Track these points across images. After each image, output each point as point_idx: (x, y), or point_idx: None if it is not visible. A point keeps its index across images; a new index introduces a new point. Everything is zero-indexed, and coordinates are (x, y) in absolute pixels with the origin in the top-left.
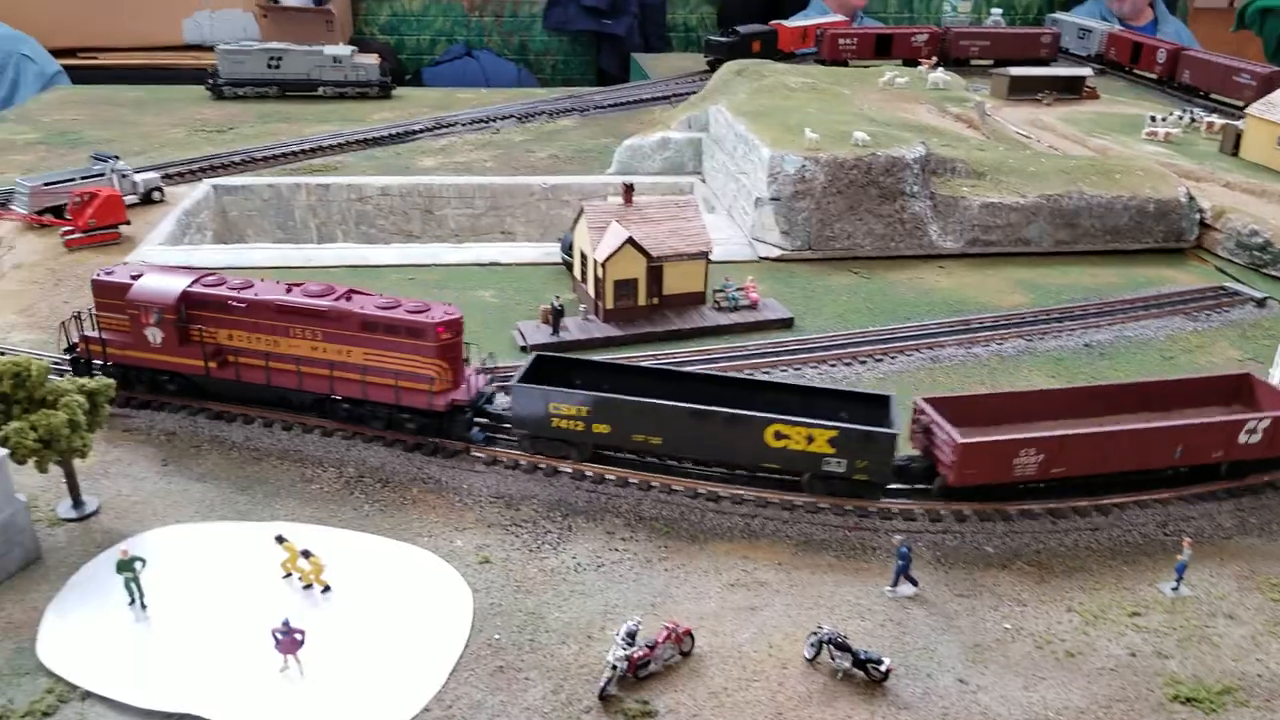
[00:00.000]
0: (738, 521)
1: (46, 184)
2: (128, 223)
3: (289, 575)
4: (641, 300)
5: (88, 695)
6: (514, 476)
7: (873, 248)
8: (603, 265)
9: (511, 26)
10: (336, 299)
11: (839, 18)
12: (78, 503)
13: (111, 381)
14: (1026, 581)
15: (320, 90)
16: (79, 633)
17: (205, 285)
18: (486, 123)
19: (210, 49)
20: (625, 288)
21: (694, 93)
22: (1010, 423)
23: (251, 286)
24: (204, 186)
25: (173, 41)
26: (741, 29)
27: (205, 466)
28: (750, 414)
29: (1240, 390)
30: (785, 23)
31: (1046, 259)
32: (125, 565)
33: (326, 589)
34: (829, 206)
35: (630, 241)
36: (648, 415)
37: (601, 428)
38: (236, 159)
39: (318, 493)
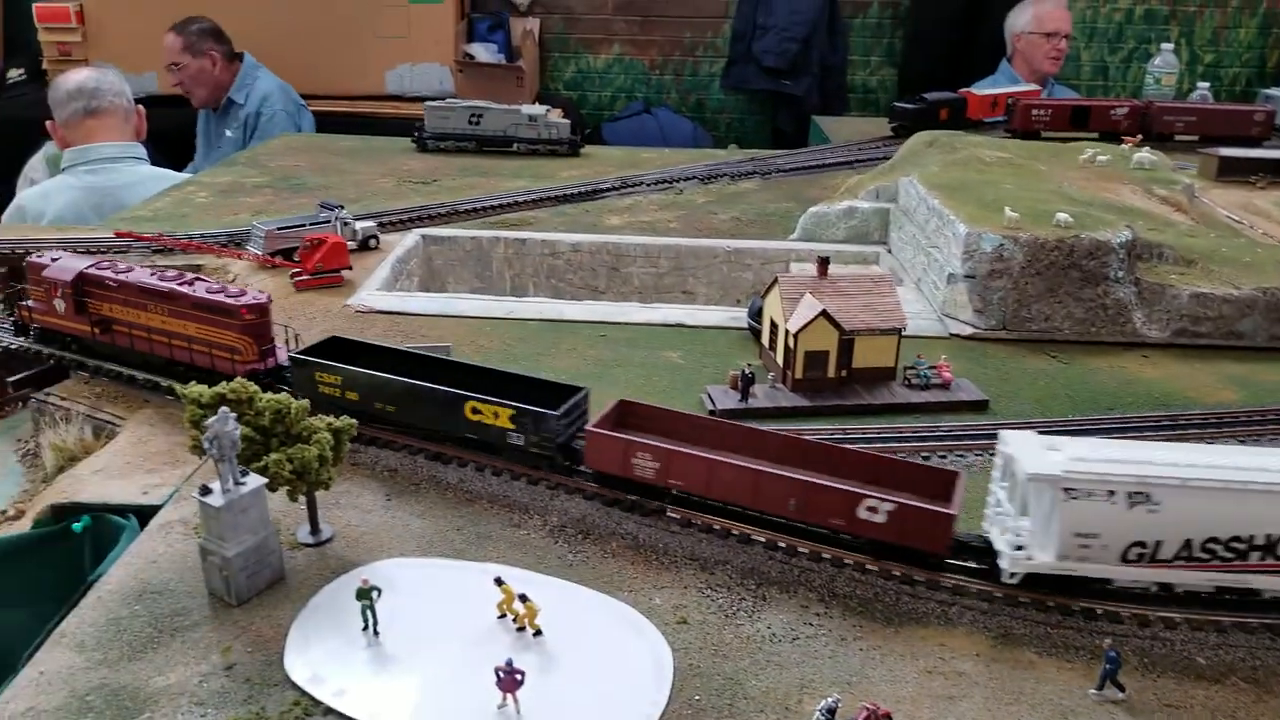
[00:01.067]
0: (934, 607)
1: (279, 228)
2: (350, 268)
3: (503, 616)
4: (831, 372)
5: (329, 711)
6: (708, 540)
7: (1071, 331)
8: (795, 336)
9: (690, 85)
10: (179, 284)
11: (1029, 86)
12: (315, 529)
13: (354, 422)
14: (1242, 699)
15: (515, 146)
16: (320, 652)
17: (96, 269)
18: (670, 183)
19: (408, 99)
20: (815, 359)
21: (877, 159)
22: (691, 442)
23: (129, 271)
24: (414, 236)
25: (376, 91)
26: (929, 96)
27: (424, 504)
28: (454, 391)
29: (949, 485)
30: (975, 91)
31: (1261, 354)
32: (364, 593)
33: (538, 633)
34: (1026, 287)
35: (824, 314)
36: (381, 388)
37: (352, 395)
38: (442, 211)
39: (525, 539)
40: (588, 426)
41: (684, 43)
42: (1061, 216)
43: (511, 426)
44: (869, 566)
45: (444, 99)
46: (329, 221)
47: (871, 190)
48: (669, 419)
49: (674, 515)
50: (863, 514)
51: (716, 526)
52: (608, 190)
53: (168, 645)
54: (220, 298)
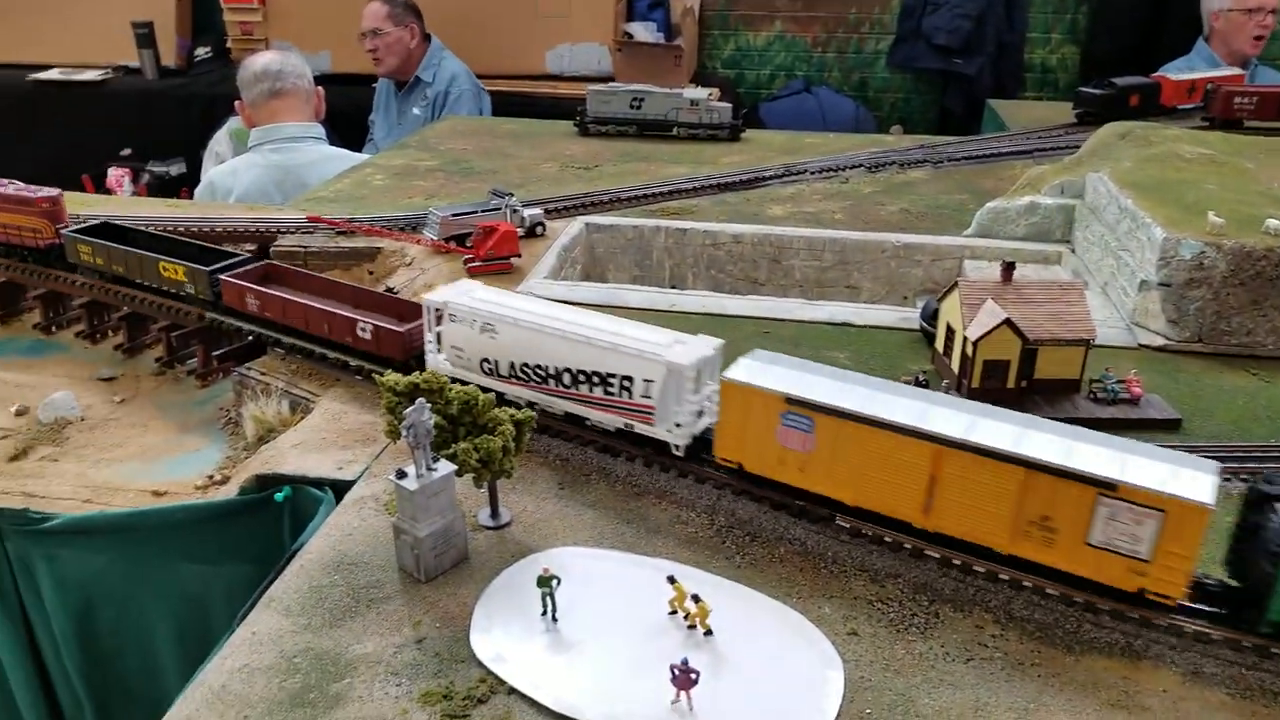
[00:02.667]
0: (1118, 638)
1: (454, 215)
2: (519, 255)
3: (674, 613)
4: (1010, 383)
5: (513, 691)
6: (879, 552)
7: (1276, 347)
8: (974, 344)
9: (854, 63)
10: None
11: (1229, 70)
12: (495, 514)
13: (533, 414)
14: None
15: (675, 131)
16: (501, 633)
17: None
18: (835, 171)
19: (566, 79)
20: (994, 368)
21: (1061, 150)
22: (300, 291)
23: None
24: (578, 223)
25: (535, 71)
26: (1118, 81)
27: (594, 495)
28: (150, 254)
29: (414, 311)
30: (1170, 75)
31: None
32: (544, 581)
33: (709, 633)
34: (1228, 298)
35: (1007, 323)
36: (113, 253)
37: (100, 260)
38: (605, 198)
39: (692, 536)
40: (223, 276)
41: (849, 19)
42: (1272, 223)
43: (185, 279)
44: (1049, 591)
45: (605, 81)
46: (499, 209)
47: (1055, 185)
48: (297, 277)
49: (844, 524)
50: (359, 333)
51: (888, 538)
52: (770, 178)
53: (364, 615)
54: (24, 193)
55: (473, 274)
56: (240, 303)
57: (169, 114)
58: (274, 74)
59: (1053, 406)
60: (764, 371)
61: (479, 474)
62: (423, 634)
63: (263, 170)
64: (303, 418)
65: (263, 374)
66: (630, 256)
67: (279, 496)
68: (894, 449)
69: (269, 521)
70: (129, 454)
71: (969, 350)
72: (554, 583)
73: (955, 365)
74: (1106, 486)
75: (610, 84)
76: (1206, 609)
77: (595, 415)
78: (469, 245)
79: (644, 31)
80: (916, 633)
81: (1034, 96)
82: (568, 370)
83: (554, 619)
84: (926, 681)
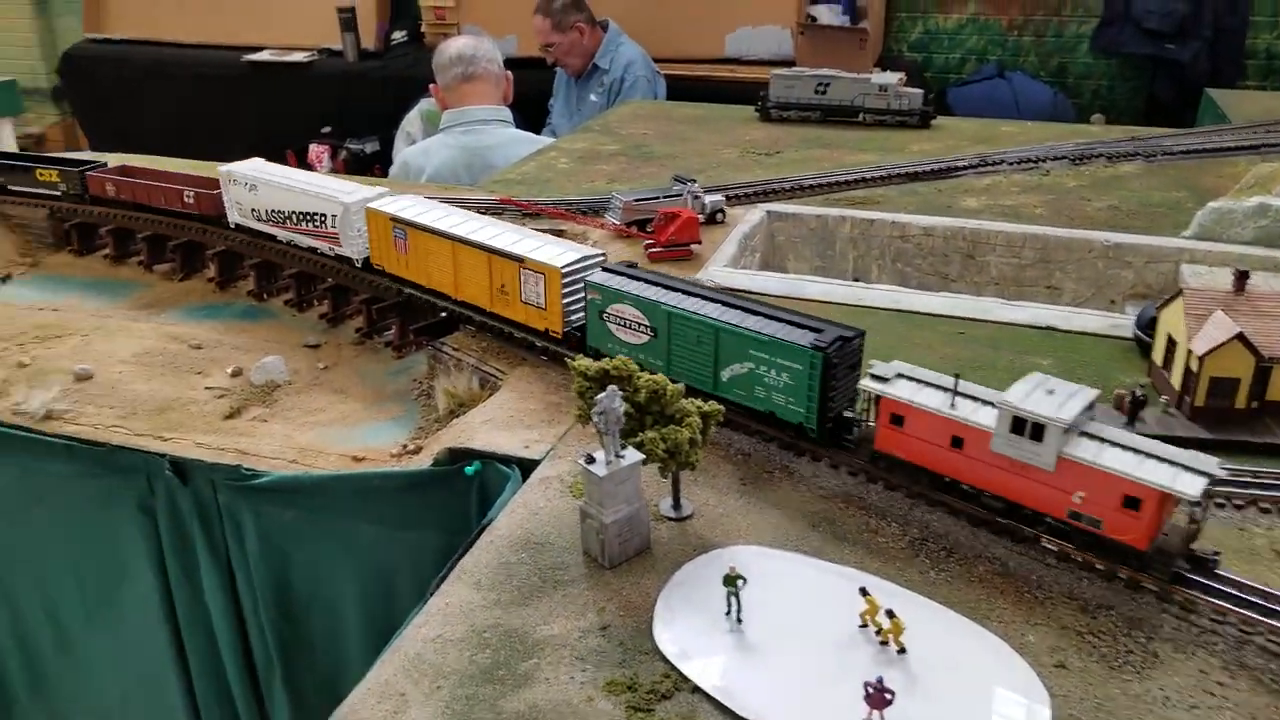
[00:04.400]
0: None
1: (637, 200)
2: (699, 242)
3: (865, 626)
4: (1240, 403)
5: (696, 689)
6: (1090, 580)
7: None
8: (1200, 359)
9: (1053, 47)
10: None
11: None
12: (677, 505)
13: (721, 408)
14: None
15: (860, 117)
16: (684, 628)
17: None
18: (1035, 163)
19: (745, 63)
20: (1222, 386)
21: None
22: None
23: None
24: (759, 211)
25: (714, 55)
26: None
27: (778, 494)
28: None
29: None
30: None
31: None
32: (730, 580)
33: (902, 650)
34: None
35: (1240, 337)
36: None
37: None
38: (786, 186)
39: (883, 546)
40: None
41: (1050, 0)
42: None
43: (59, 180)
44: None
45: (785, 65)
46: (680, 195)
47: None
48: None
49: (1049, 546)
50: (185, 199)
51: (1099, 565)
52: (964, 168)
53: (550, 596)
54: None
55: (653, 259)
56: (102, 190)
57: (366, 94)
58: (467, 59)
59: None
60: (390, 200)
61: (665, 464)
62: (607, 621)
63: (453, 151)
64: (491, 394)
65: (455, 350)
66: (812, 246)
67: (469, 471)
68: (435, 246)
69: (458, 494)
70: (330, 418)
71: (1194, 365)
72: (740, 583)
73: (1176, 381)
74: (520, 260)
75: (794, 68)
76: None
77: (307, 241)
78: (650, 230)
79: (829, 14)
80: (1132, 672)
81: (1256, 86)
82: (294, 212)
83: (739, 619)
84: None
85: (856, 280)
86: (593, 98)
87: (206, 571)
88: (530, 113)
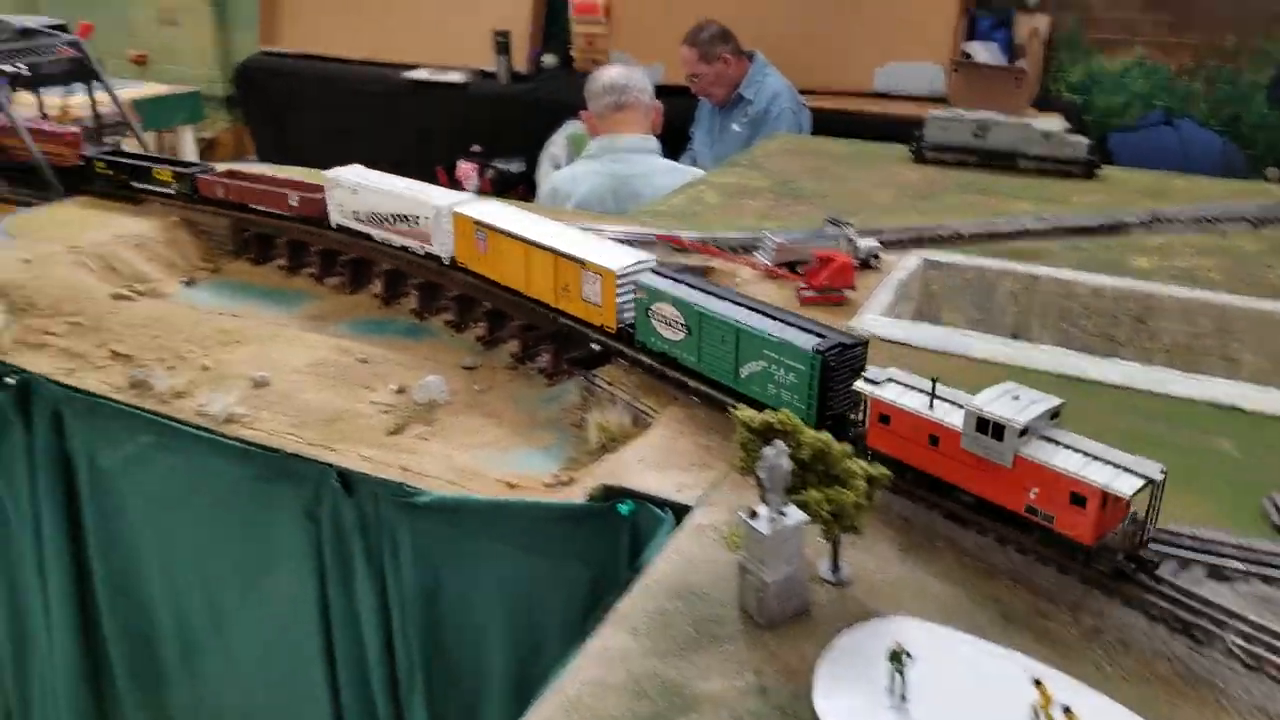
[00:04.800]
0: None
1: (790, 241)
2: (853, 288)
3: (1036, 718)
4: None
5: None
6: None
7: None
8: None
9: (1226, 95)
10: None
11: None
12: (836, 568)
13: (887, 472)
14: None
15: (1020, 163)
16: (846, 701)
17: None
18: (1211, 222)
19: (893, 98)
20: None
21: None
22: None
23: None
24: (914, 258)
25: (861, 88)
26: None
27: (941, 566)
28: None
29: None
30: None
31: None
32: (896, 656)
33: None
34: None
35: None
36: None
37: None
38: (944, 233)
39: (1053, 632)
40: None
41: (1225, 46)
42: None
43: (171, 179)
44: None
45: (935, 102)
46: (835, 239)
47: None
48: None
49: (1236, 649)
50: (290, 203)
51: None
52: (1134, 224)
53: (706, 650)
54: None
55: (804, 303)
56: (212, 192)
57: (514, 116)
58: (620, 88)
59: None
60: (474, 205)
61: (829, 526)
62: (765, 683)
63: (601, 179)
64: (642, 432)
65: (609, 383)
66: (969, 298)
67: (623, 510)
68: (510, 248)
69: (610, 531)
70: (486, 441)
71: None
72: (905, 658)
73: None
74: (581, 263)
75: (952, 110)
76: None
77: (399, 240)
78: (801, 273)
79: (984, 52)
80: None
81: None
82: (391, 214)
83: (903, 698)
84: None
85: (1015, 337)
86: (735, 127)
87: (361, 581)
88: (672, 139)
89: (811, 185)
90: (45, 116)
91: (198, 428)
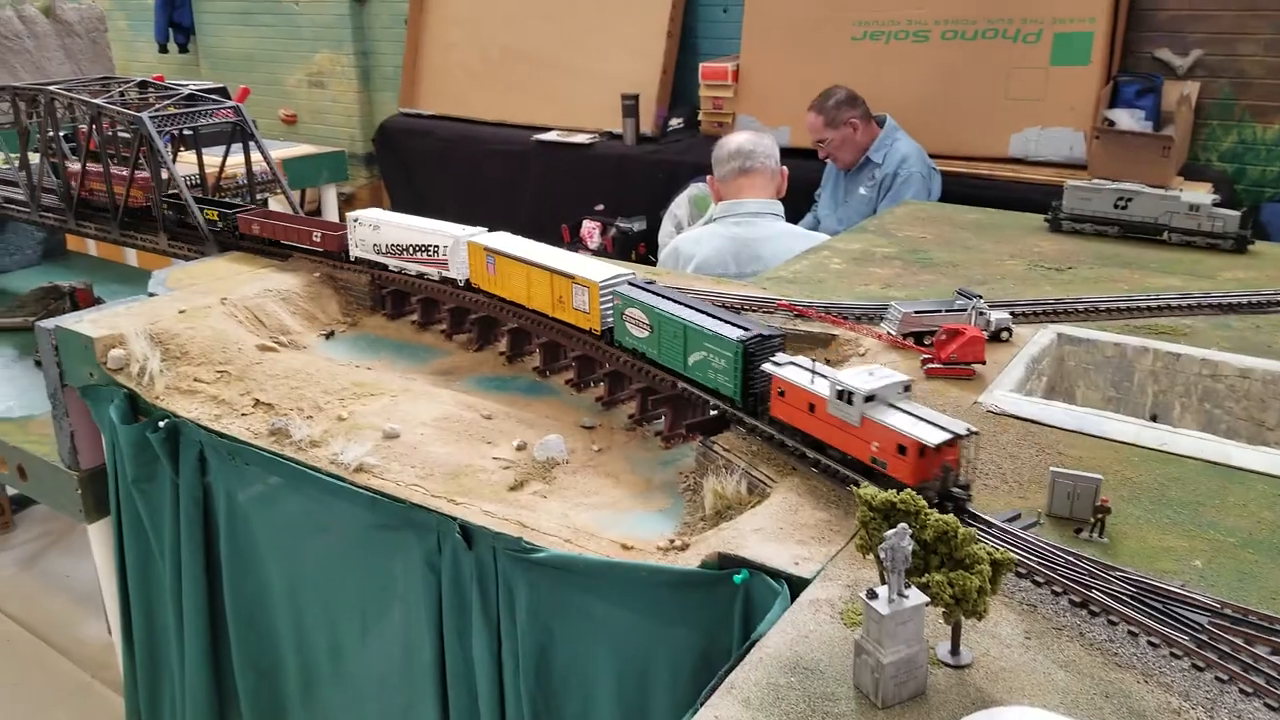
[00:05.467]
0: None
1: (917, 312)
2: (983, 363)
3: None
4: None
5: None
6: None
7: None
8: None
9: None
10: None
11: None
12: (956, 651)
13: (1013, 557)
14: None
15: (1165, 236)
16: None
17: None
18: None
19: (1030, 164)
20: None
21: None
22: None
23: None
24: (1049, 333)
25: (997, 154)
26: None
27: (1066, 655)
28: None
29: None
30: None
31: None
32: None
33: None
34: None
35: None
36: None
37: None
38: (1080, 307)
39: None
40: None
41: None
42: None
43: (216, 218)
44: None
45: (1076, 169)
46: (965, 310)
47: None
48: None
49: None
50: (314, 239)
51: None
52: None
53: None
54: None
55: (930, 375)
56: (249, 229)
57: (638, 176)
58: (746, 153)
59: None
60: (484, 236)
61: (950, 610)
62: None
63: (723, 241)
64: (759, 501)
65: (725, 450)
66: (1105, 375)
67: (738, 579)
68: (514, 269)
69: (723, 599)
70: (602, 502)
71: None
72: None
73: None
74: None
75: (1093, 180)
76: None
77: (416, 267)
78: (928, 344)
79: (1128, 119)
80: None
81: None
82: (410, 245)
83: None
84: None
85: (1154, 418)
86: (862, 190)
87: (477, 633)
88: (796, 201)
89: (941, 254)
90: (205, 176)
91: (332, 476)
